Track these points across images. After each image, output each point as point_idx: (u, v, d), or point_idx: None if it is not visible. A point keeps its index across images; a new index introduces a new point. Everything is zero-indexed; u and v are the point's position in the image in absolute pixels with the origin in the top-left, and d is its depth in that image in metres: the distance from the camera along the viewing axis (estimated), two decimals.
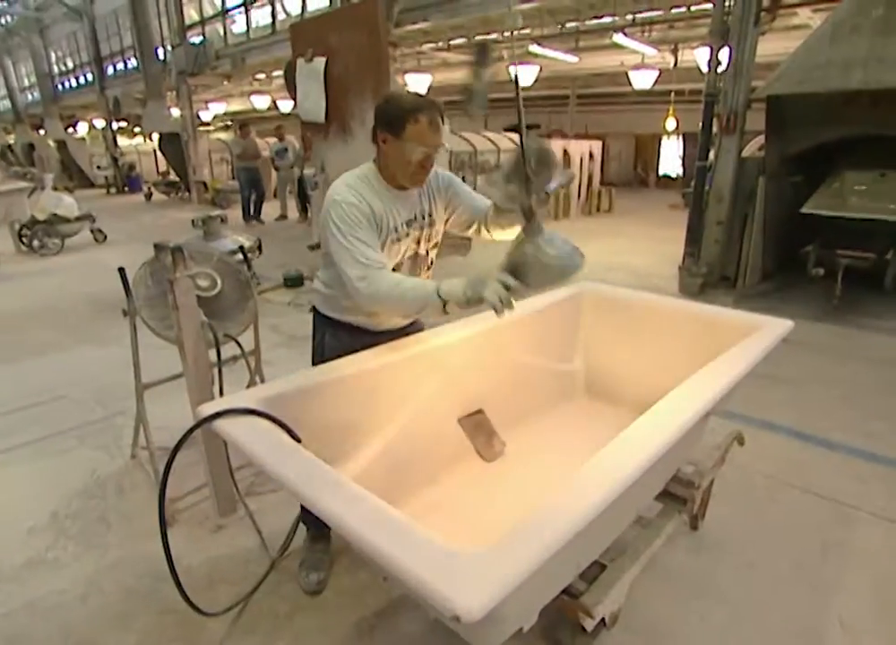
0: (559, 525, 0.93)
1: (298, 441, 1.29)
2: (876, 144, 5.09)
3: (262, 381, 2.68)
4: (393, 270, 1.73)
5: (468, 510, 1.78)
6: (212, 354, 2.23)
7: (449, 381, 1.85)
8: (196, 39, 11.61)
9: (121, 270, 2.36)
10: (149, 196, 14.62)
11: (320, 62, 4.81)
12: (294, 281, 5.82)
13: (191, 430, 1.34)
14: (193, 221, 5.16)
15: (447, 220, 1.87)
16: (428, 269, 1.91)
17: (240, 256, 3.21)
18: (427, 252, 1.86)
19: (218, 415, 1.32)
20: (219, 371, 2.23)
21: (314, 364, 1.88)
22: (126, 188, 16.34)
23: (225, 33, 11.63)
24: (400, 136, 1.58)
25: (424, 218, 1.79)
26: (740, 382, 1.67)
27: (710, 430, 2.23)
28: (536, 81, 11.27)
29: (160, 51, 13.28)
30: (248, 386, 2.59)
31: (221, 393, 2.13)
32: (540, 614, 1.43)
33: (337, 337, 1.84)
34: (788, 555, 2.12)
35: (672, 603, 1.90)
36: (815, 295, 5.29)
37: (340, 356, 1.71)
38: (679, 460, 1.95)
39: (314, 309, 1.92)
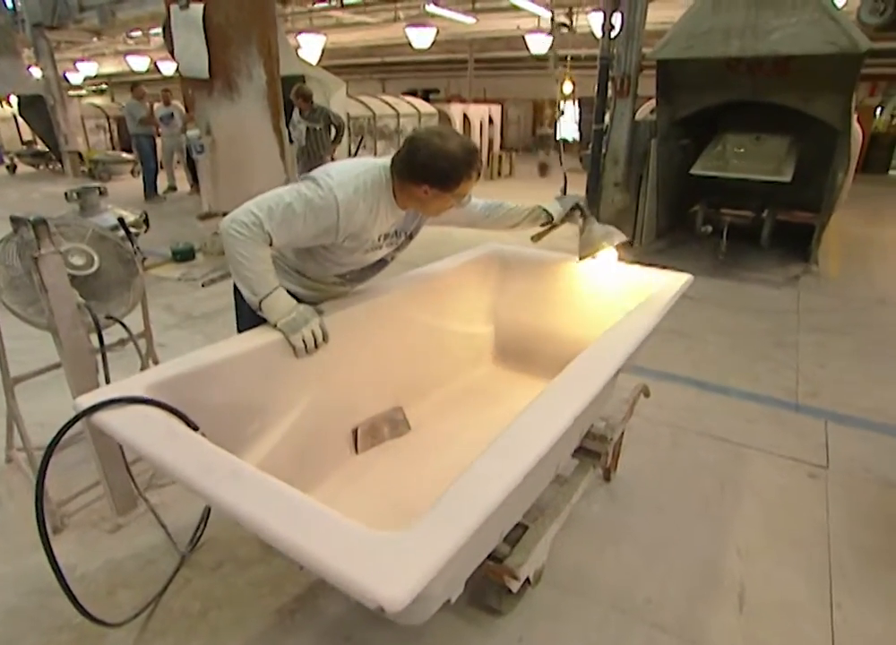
0: (483, 499, 0.89)
1: (195, 429, 1.17)
2: (754, 109, 5.43)
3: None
4: (360, 273, 1.79)
5: (382, 484, 1.73)
6: (96, 339, 2.00)
7: (356, 351, 1.77)
8: None
9: None
10: (12, 168, 12.96)
11: (197, 9, 4.32)
12: (184, 255, 5.39)
13: (67, 426, 1.18)
14: (66, 194, 4.62)
15: None
16: (380, 270, 1.88)
17: (122, 232, 2.91)
18: (391, 259, 1.85)
19: (98, 406, 1.16)
20: (104, 357, 2.01)
21: (238, 327, 1.78)
22: None
23: None
24: (451, 191, 1.53)
25: (402, 235, 1.77)
26: (648, 336, 1.71)
27: (617, 386, 2.30)
28: (433, 44, 11.03)
29: None
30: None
31: (108, 382, 1.92)
32: (466, 582, 1.42)
33: None
34: (691, 496, 2.26)
35: (590, 551, 1.97)
36: (704, 251, 5.63)
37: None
38: (592, 417, 1.99)
39: None
